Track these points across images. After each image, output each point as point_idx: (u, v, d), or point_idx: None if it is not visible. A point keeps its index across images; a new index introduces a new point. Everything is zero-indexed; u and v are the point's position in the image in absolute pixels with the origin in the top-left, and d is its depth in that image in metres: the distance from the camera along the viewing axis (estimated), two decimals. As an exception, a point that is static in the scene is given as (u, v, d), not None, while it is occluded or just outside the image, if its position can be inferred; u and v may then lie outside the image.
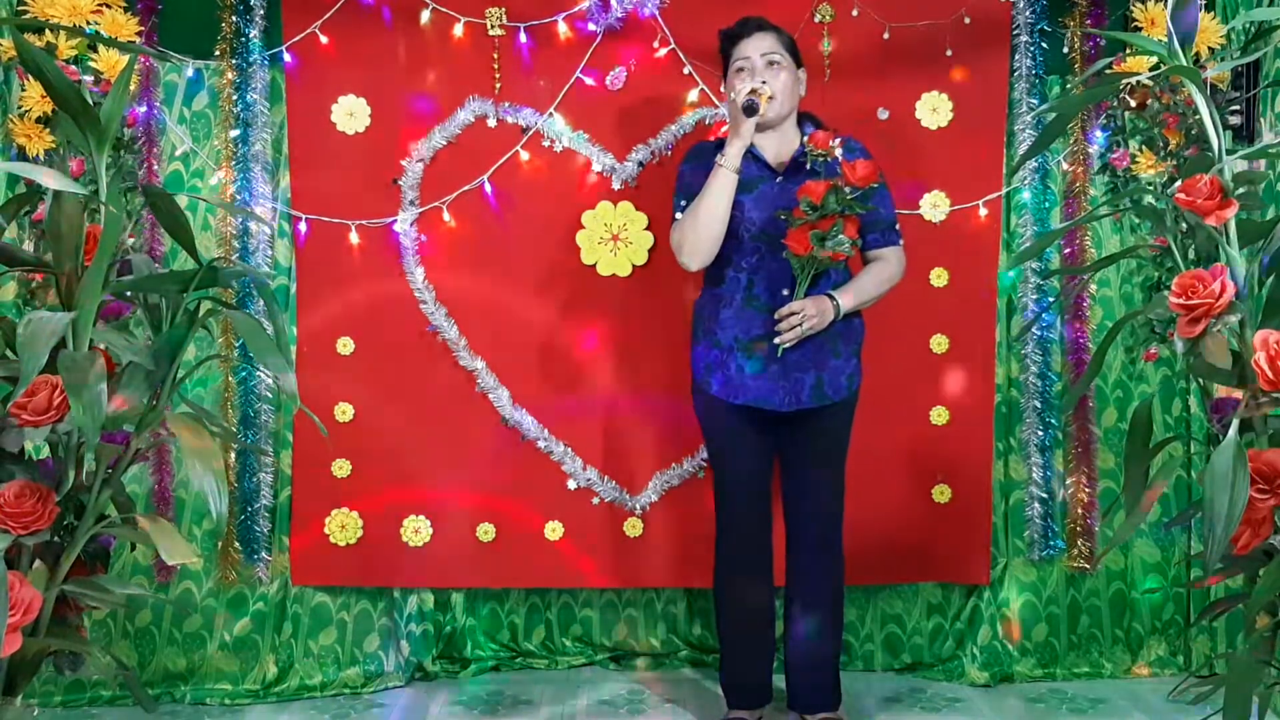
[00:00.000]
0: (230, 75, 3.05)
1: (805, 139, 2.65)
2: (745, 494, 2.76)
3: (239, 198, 3.04)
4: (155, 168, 3.04)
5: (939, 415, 3.18)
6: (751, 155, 2.65)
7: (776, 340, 2.58)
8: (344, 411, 3.14)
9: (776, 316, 2.58)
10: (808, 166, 2.63)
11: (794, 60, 2.70)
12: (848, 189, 2.53)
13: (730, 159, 2.59)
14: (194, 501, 3.12)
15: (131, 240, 2.85)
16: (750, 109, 2.55)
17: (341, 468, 3.15)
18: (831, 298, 2.61)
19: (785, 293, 2.62)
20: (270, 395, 3.12)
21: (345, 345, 3.15)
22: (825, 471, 2.76)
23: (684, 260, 2.66)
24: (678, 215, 2.70)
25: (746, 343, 2.64)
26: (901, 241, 2.76)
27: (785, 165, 2.68)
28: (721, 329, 2.67)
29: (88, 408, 1.69)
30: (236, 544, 3.09)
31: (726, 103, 2.71)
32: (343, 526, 3.15)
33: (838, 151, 2.57)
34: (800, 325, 2.56)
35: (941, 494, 3.19)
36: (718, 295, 2.70)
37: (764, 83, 2.60)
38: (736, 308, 2.66)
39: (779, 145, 2.69)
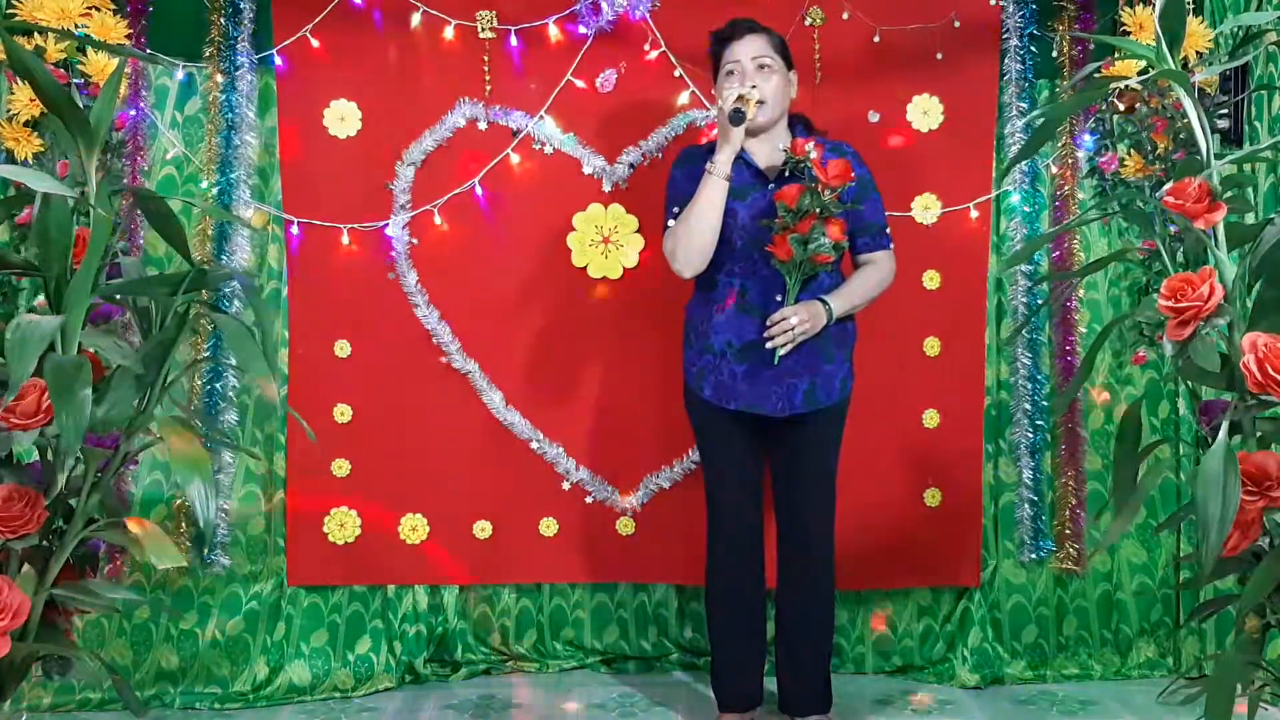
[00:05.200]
0: (218, 79, 3.05)
1: (784, 148, 2.63)
2: (736, 497, 2.77)
3: (228, 201, 3.03)
4: (140, 171, 3.03)
5: (930, 418, 3.18)
6: (743, 161, 2.65)
7: (769, 345, 2.58)
8: (342, 413, 3.15)
9: (769, 323, 2.58)
10: (786, 174, 2.62)
11: (785, 62, 2.69)
12: (825, 190, 2.52)
13: (720, 166, 2.58)
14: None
15: (121, 244, 2.84)
16: (736, 118, 2.53)
17: (341, 467, 3.16)
18: (824, 302, 2.61)
19: (778, 298, 2.61)
20: (235, 397, 3.11)
21: (342, 348, 3.15)
22: (817, 475, 2.75)
23: (678, 268, 2.65)
24: (670, 222, 2.69)
25: (739, 348, 2.64)
26: (892, 245, 2.76)
27: (776, 172, 2.67)
28: (715, 334, 2.67)
29: (72, 413, 1.68)
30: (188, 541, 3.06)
31: (716, 107, 2.71)
32: (341, 525, 3.16)
33: (812, 155, 2.56)
34: (793, 330, 2.56)
35: (933, 498, 3.19)
36: (710, 300, 2.69)
37: (754, 87, 2.59)
38: (730, 313, 2.65)
39: (771, 151, 2.68)
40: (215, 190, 3.04)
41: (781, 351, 2.58)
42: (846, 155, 2.68)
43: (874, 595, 3.26)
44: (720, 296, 2.67)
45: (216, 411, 3.06)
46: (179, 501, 3.07)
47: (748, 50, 2.64)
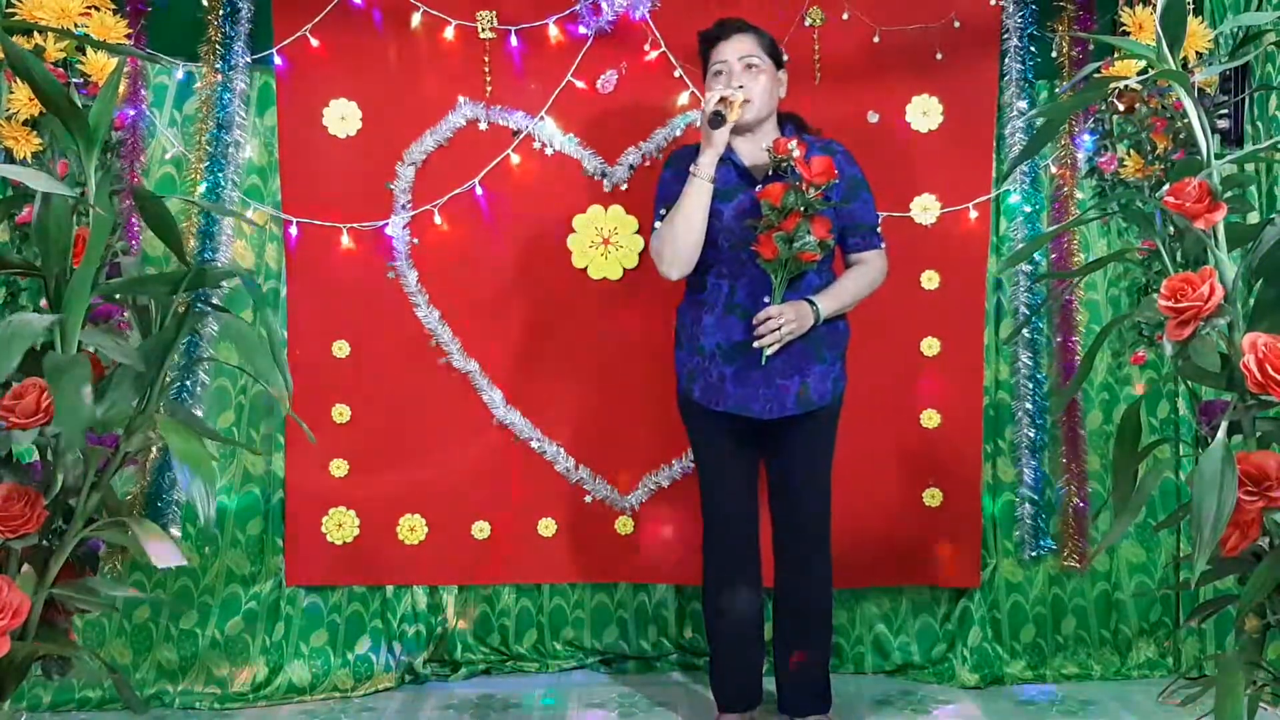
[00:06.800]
0: (215, 78, 3.05)
1: (766, 147, 2.60)
2: (730, 498, 2.76)
3: (216, 200, 3.03)
4: (138, 170, 3.03)
5: (929, 418, 3.18)
6: (731, 162, 2.63)
7: (756, 345, 2.57)
8: (341, 413, 3.15)
9: (754, 321, 2.56)
10: (769, 173, 2.60)
11: (774, 62, 2.67)
12: (809, 188, 2.50)
13: (703, 168, 2.56)
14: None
15: (120, 244, 2.84)
16: (715, 121, 2.51)
17: (339, 467, 3.16)
18: (811, 302, 2.59)
19: (766, 300, 2.59)
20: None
21: (341, 348, 3.15)
22: (812, 475, 2.74)
23: (664, 270, 2.64)
24: (657, 224, 2.68)
25: (728, 349, 2.63)
26: (883, 245, 2.74)
27: (763, 173, 2.64)
28: (704, 335, 2.66)
29: (70, 410, 1.68)
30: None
31: (700, 110, 2.68)
32: (339, 525, 3.16)
33: (795, 153, 2.54)
34: (779, 330, 2.55)
35: (933, 498, 3.19)
36: (700, 301, 2.68)
37: (740, 87, 2.57)
38: (718, 314, 2.64)
39: (757, 150, 2.65)
40: (203, 188, 3.03)
41: (768, 352, 2.57)
42: (836, 154, 2.66)
43: (874, 595, 3.26)
44: (709, 298, 2.66)
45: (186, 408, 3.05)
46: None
47: (735, 50, 2.62)
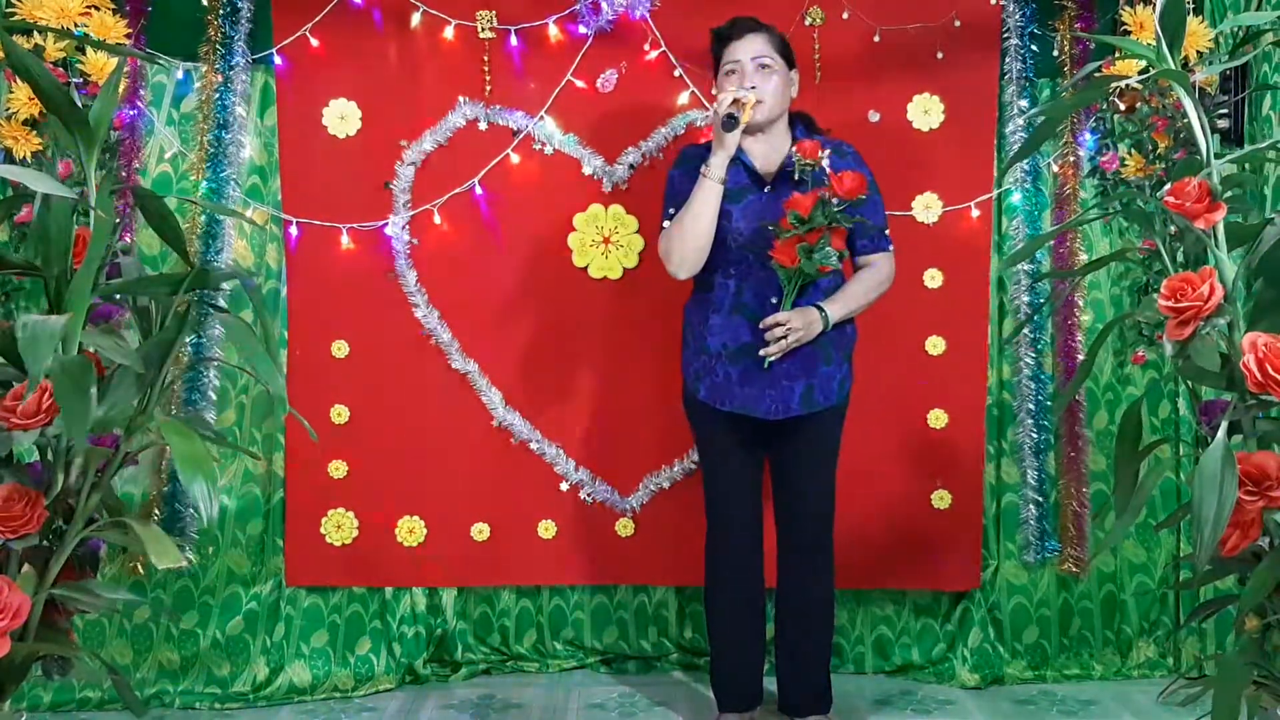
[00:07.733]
0: (214, 78, 3.05)
1: (792, 147, 2.61)
2: (735, 497, 2.76)
3: (218, 200, 3.03)
4: (136, 169, 3.02)
5: (936, 419, 3.18)
6: (741, 163, 2.63)
7: (762, 353, 2.57)
8: (340, 414, 3.15)
9: (761, 326, 2.56)
10: (795, 177, 2.59)
11: (786, 62, 2.67)
12: (835, 201, 2.49)
13: (714, 170, 2.56)
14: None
15: (121, 244, 2.84)
16: (728, 124, 2.50)
17: (338, 469, 3.16)
18: (820, 309, 2.59)
19: (774, 301, 2.59)
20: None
21: (340, 348, 3.15)
22: (816, 475, 2.75)
23: (672, 270, 2.64)
24: (665, 224, 2.68)
25: (734, 350, 2.63)
26: (891, 247, 2.74)
27: (774, 174, 2.64)
28: (710, 335, 2.66)
29: (78, 413, 1.68)
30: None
31: (712, 109, 2.68)
32: (338, 526, 3.16)
33: (825, 162, 2.53)
34: (785, 338, 2.54)
35: (942, 500, 3.18)
36: (707, 301, 2.68)
37: (752, 88, 2.57)
38: (725, 314, 2.64)
39: (768, 150, 2.66)
40: (203, 188, 3.04)
41: (771, 358, 2.57)
42: (847, 155, 2.67)
43: (874, 595, 3.26)
44: (716, 297, 2.66)
45: (197, 411, 3.06)
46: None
47: (748, 50, 2.62)
